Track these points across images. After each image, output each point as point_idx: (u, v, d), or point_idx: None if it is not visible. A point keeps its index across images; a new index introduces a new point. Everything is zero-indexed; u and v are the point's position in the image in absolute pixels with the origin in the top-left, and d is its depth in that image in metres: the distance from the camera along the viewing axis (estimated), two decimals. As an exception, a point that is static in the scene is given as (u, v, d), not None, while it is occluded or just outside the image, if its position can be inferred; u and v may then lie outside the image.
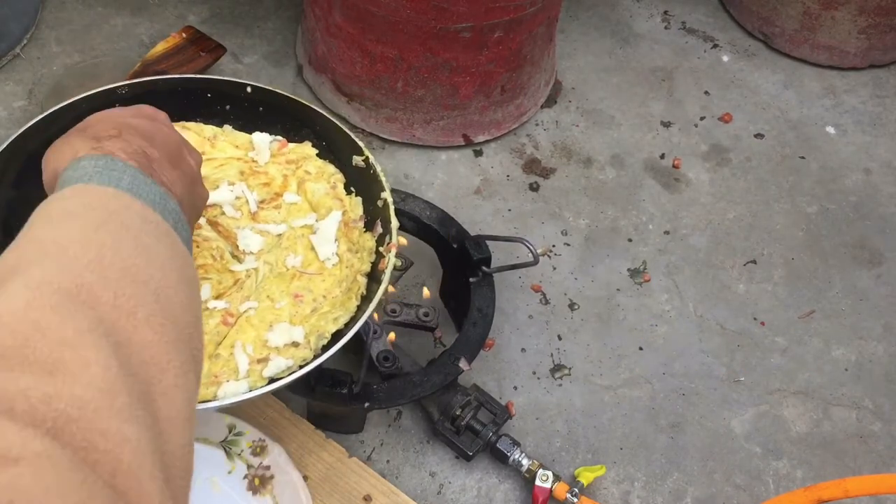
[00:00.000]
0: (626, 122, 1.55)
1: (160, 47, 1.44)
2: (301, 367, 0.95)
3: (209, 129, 1.12)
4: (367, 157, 1.09)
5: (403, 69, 1.38)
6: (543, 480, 1.13)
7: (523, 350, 1.29)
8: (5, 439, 0.42)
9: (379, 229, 1.07)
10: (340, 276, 1.03)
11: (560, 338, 1.30)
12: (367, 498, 1.11)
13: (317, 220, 1.07)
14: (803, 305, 1.37)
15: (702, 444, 1.23)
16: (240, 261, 1.02)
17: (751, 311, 1.36)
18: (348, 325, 1.00)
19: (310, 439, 1.14)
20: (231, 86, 1.13)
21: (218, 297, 0.99)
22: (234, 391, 0.93)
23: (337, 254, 1.04)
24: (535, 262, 1.23)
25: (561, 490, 1.13)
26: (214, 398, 0.93)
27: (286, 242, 1.04)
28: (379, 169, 1.08)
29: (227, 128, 1.13)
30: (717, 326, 1.34)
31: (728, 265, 1.41)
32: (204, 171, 1.06)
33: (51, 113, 1.04)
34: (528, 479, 1.15)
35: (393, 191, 1.26)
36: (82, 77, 1.41)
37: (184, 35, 1.47)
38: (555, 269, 1.37)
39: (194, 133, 1.11)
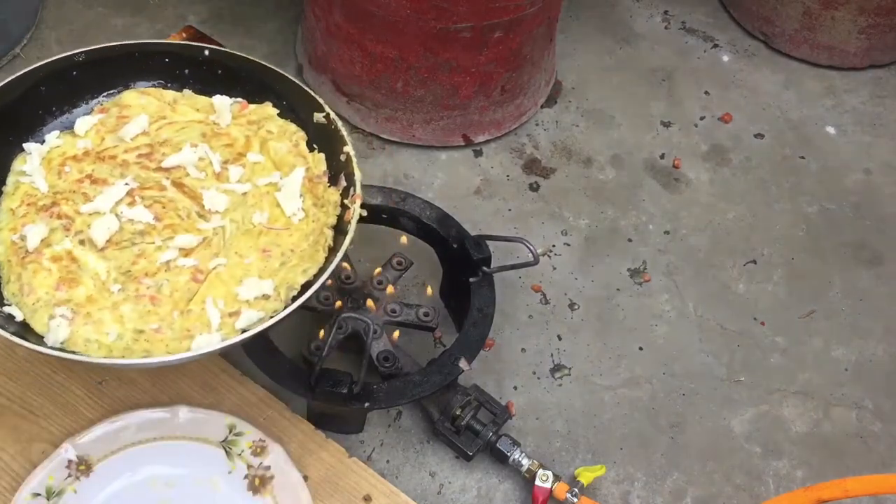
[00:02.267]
0: (626, 122, 1.55)
1: (160, 47, 1.44)
2: (272, 317, 0.98)
3: (169, 94, 1.14)
4: (328, 114, 1.12)
5: (403, 69, 1.38)
6: (543, 480, 1.13)
7: (523, 350, 1.29)
8: None
9: (343, 183, 1.09)
10: (307, 230, 1.06)
11: (560, 338, 1.30)
12: (367, 498, 1.11)
13: (281, 178, 1.09)
14: (803, 305, 1.37)
15: (702, 444, 1.23)
16: (206, 220, 1.05)
17: (751, 311, 1.36)
18: (317, 276, 1.03)
19: (310, 439, 1.14)
20: (189, 49, 1.14)
21: (187, 255, 1.02)
22: (207, 342, 0.96)
23: (303, 209, 1.07)
24: (535, 262, 1.23)
25: (561, 490, 1.13)
26: (188, 350, 0.95)
27: (252, 200, 1.07)
28: (340, 124, 1.11)
29: (187, 92, 1.15)
30: (717, 326, 1.34)
31: (728, 265, 1.41)
32: (166, 134, 1.10)
33: (7, 82, 1.08)
34: (528, 479, 1.15)
35: (393, 190, 1.27)
36: (82, 77, 1.41)
37: (184, 35, 1.47)
38: (555, 269, 1.37)
39: (154, 98, 1.13)
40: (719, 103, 1.60)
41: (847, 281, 1.40)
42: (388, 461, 1.18)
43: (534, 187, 1.45)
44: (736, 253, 1.42)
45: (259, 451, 1.10)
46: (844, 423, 1.27)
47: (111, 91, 1.14)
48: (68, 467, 1.07)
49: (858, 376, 1.31)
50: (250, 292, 1.00)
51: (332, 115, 1.11)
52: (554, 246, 1.39)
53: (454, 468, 1.18)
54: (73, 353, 0.95)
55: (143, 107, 1.13)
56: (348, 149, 1.09)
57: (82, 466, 1.07)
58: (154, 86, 1.15)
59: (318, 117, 1.13)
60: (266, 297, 1.00)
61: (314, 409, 1.16)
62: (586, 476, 1.15)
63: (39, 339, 0.96)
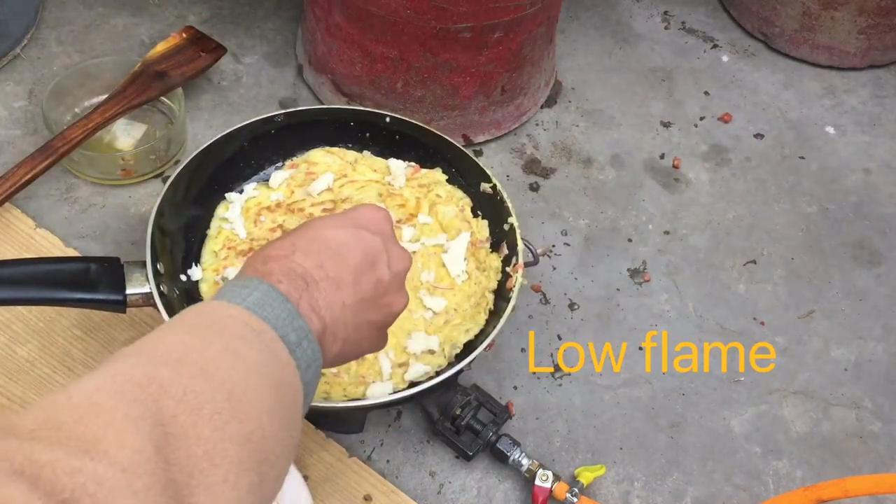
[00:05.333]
0: (626, 122, 1.55)
1: (160, 47, 1.44)
2: (437, 373, 1.08)
3: (351, 154, 1.25)
4: (495, 185, 1.21)
5: (403, 69, 1.38)
6: (543, 480, 1.13)
7: (523, 350, 1.29)
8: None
9: (505, 251, 1.18)
10: (469, 291, 1.15)
11: (560, 338, 1.30)
12: (368, 498, 1.11)
13: (447, 240, 1.17)
14: (803, 305, 1.37)
15: (702, 444, 1.23)
16: None
17: (751, 311, 1.36)
18: (478, 338, 1.11)
19: (310, 439, 1.14)
20: (372, 115, 1.26)
21: None
22: (380, 391, 1.06)
23: (466, 271, 1.15)
24: (535, 262, 1.23)
25: (561, 490, 1.13)
26: (364, 397, 1.06)
27: (420, 259, 1.16)
28: (506, 196, 1.20)
29: (367, 153, 1.26)
30: (717, 326, 1.34)
31: (728, 265, 1.41)
32: (347, 191, 1.21)
33: (220, 137, 1.20)
34: (527, 479, 1.15)
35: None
36: (82, 77, 1.41)
37: (184, 35, 1.47)
38: (555, 269, 1.37)
39: (338, 157, 1.23)
40: (719, 103, 1.60)
41: (847, 281, 1.41)
42: (388, 461, 1.18)
43: (534, 187, 1.45)
44: (736, 253, 1.42)
45: (259, 450, 1.10)
46: (844, 422, 1.27)
47: (302, 149, 1.25)
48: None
49: (858, 376, 1.32)
50: (418, 346, 1.09)
51: (499, 186, 1.20)
52: (554, 246, 1.39)
53: (454, 468, 1.18)
54: None
55: (328, 165, 1.23)
56: (513, 220, 1.19)
57: (83, 466, 1.08)
58: (338, 146, 1.26)
59: (486, 187, 1.23)
60: (432, 352, 1.09)
61: (314, 409, 1.16)
62: (586, 476, 1.15)
63: None
